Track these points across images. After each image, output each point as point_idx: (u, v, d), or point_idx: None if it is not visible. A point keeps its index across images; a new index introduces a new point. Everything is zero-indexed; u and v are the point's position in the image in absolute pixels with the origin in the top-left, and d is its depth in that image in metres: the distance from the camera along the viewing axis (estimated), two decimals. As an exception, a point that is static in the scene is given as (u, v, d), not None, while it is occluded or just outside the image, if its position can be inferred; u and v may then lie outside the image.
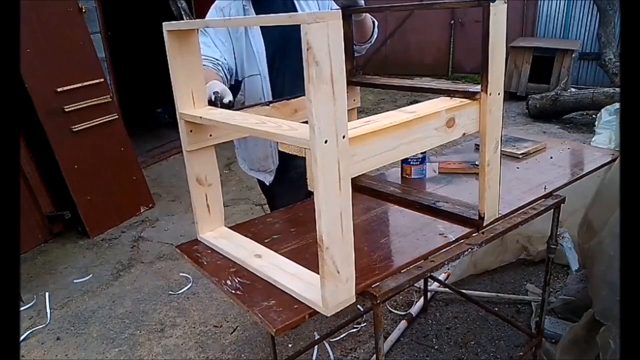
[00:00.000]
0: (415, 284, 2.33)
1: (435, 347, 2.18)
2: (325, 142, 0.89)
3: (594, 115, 5.10)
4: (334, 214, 0.95)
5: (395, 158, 1.09)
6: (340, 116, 0.91)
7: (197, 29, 1.27)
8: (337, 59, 0.88)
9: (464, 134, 1.23)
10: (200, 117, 1.21)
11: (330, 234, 0.95)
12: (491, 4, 1.13)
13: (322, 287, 0.99)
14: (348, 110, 0.99)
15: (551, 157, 1.89)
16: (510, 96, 6.21)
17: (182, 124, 1.27)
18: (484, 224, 1.34)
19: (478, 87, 1.23)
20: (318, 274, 0.99)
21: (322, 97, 0.87)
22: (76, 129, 3.29)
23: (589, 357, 1.67)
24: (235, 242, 1.34)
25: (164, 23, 1.22)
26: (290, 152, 1.06)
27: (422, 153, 1.70)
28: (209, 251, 1.35)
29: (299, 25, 0.84)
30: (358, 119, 1.18)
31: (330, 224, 0.95)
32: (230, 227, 1.44)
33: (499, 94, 1.25)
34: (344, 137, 0.92)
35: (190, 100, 1.28)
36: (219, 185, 1.40)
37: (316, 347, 2.21)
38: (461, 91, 1.26)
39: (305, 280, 1.11)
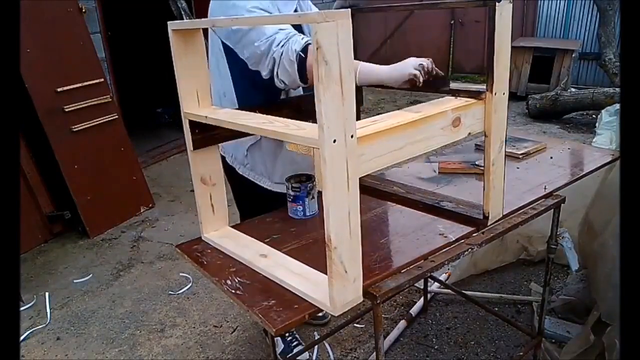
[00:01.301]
0: (415, 284, 2.33)
1: (435, 347, 2.18)
2: (334, 141, 0.89)
3: (594, 115, 5.10)
4: (342, 213, 0.95)
5: (402, 158, 1.09)
6: (348, 116, 0.91)
7: (202, 29, 1.27)
8: (346, 58, 0.88)
9: (469, 133, 1.23)
10: (206, 117, 1.21)
11: (338, 233, 0.95)
12: (497, 3, 1.13)
13: (330, 286, 0.99)
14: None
15: (551, 157, 1.89)
16: (510, 96, 6.12)
17: (187, 124, 1.27)
18: (489, 223, 1.35)
19: (483, 87, 1.23)
20: (321, 273, 0.99)
21: (331, 96, 0.87)
22: (76, 129, 3.28)
23: (590, 357, 1.67)
24: (240, 242, 1.34)
25: (169, 22, 1.22)
26: (298, 152, 1.06)
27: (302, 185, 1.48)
28: (209, 251, 1.35)
29: None
30: (360, 119, 1.18)
31: (339, 224, 0.95)
32: (230, 227, 1.44)
33: (504, 93, 1.25)
34: (352, 136, 0.92)
35: (195, 99, 1.28)
36: (223, 184, 1.40)
37: (316, 347, 2.21)
38: (466, 91, 1.27)
39: (312, 280, 1.11)
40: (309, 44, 1.37)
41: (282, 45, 1.41)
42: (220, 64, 1.66)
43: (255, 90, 1.61)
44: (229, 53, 1.60)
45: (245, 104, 1.58)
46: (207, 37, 1.70)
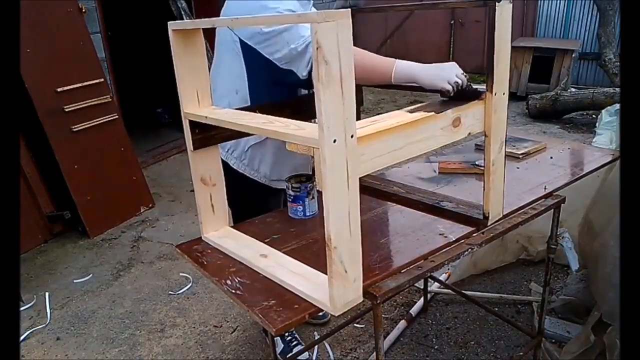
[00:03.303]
0: (415, 284, 2.33)
1: (435, 347, 2.18)
2: (334, 141, 0.89)
3: (594, 115, 5.10)
4: (342, 213, 0.95)
5: (402, 158, 1.09)
6: (349, 115, 0.91)
7: (201, 28, 1.26)
8: (347, 58, 0.88)
9: (469, 133, 1.23)
10: (206, 117, 1.21)
11: (338, 233, 0.95)
12: (497, 3, 1.13)
13: (330, 286, 0.99)
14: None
15: (551, 157, 1.89)
16: (510, 96, 6.13)
17: (187, 124, 1.27)
18: (489, 223, 1.35)
19: (483, 87, 1.23)
20: (321, 272, 0.99)
21: (331, 96, 0.87)
22: (76, 129, 3.28)
23: (590, 357, 1.67)
24: (240, 242, 1.34)
25: (169, 22, 1.22)
26: (298, 152, 1.06)
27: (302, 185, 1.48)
28: (209, 251, 1.35)
29: None
30: (360, 119, 1.18)
31: (339, 224, 0.95)
32: (230, 227, 1.44)
33: (504, 94, 1.26)
34: (352, 136, 0.92)
35: (195, 99, 1.28)
36: (224, 185, 1.40)
37: (316, 347, 2.21)
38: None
39: (312, 280, 1.11)
40: None
41: None
42: (235, 62, 1.65)
43: (273, 88, 1.63)
44: (247, 52, 1.60)
45: (259, 102, 1.60)
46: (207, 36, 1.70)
